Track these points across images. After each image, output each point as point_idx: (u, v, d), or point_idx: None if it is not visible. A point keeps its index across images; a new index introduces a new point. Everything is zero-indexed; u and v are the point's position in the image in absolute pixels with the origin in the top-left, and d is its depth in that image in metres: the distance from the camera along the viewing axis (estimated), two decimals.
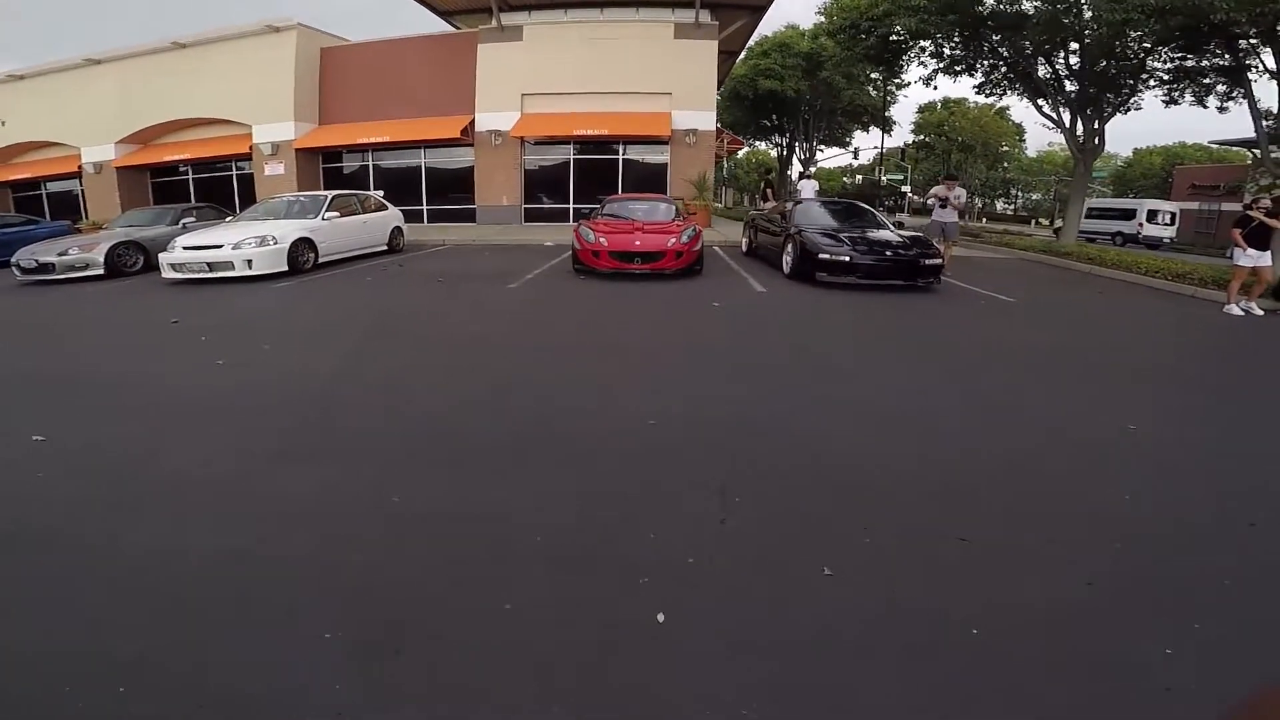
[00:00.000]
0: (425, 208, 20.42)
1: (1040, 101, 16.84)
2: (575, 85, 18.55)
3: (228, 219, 11.62)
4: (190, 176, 22.20)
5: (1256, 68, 13.45)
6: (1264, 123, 13.05)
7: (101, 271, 9.96)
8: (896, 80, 26.19)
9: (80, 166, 21.70)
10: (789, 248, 9.34)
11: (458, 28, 21.00)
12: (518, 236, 15.54)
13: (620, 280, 8.94)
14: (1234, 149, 31.76)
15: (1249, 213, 8.11)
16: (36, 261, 9.79)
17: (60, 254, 9.82)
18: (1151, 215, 26.59)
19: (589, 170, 19.67)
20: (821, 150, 34.44)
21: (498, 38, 18.76)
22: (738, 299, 7.94)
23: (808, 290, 8.42)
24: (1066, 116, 16.46)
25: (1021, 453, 3.40)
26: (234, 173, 21.49)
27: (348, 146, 20.30)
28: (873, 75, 28.67)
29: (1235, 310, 7.93)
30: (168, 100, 20.53)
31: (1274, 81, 12.55)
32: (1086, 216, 24.99)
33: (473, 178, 19.86)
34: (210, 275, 9.10)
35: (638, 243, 9.11)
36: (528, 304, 7.62)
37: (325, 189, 19.00)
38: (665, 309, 7.32)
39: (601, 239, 9.13)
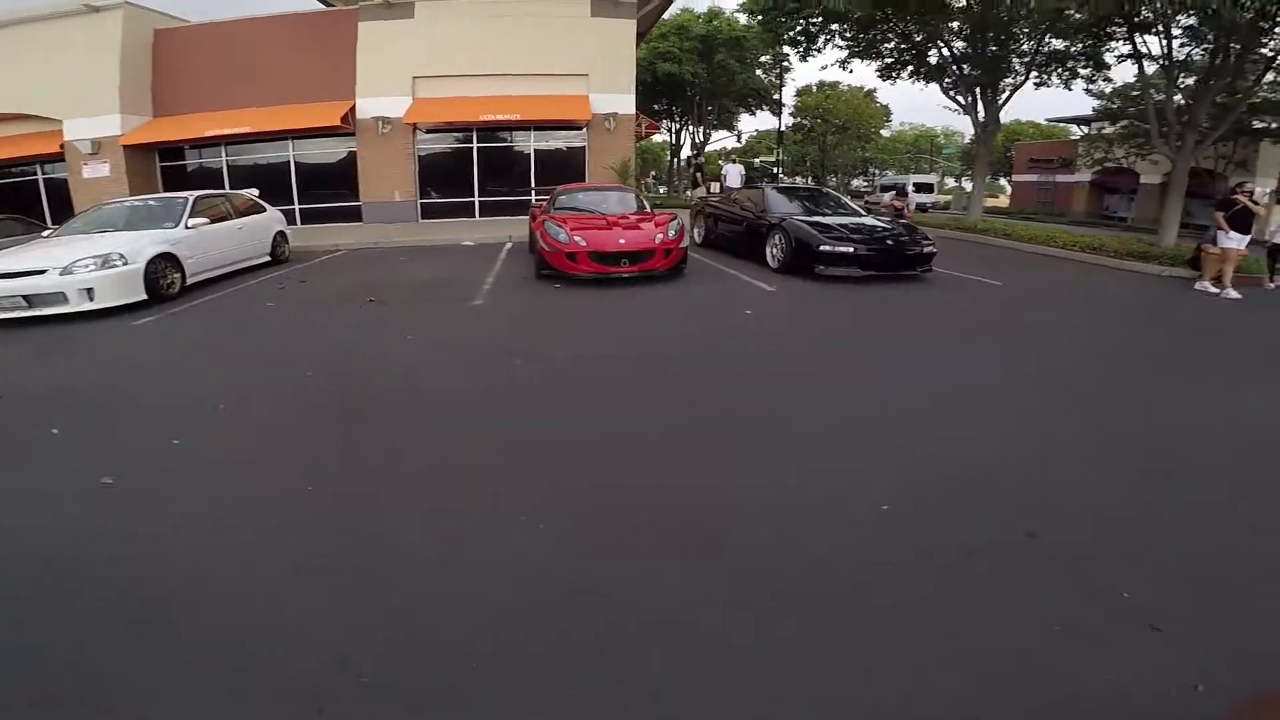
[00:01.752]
0: (298, 207, 17.27)
1: (945, 84, 17.13)
2: (479, 67, 16.32)
3: (46, 233, 8.66)
4: None
5: (1115, 52, 14.31)
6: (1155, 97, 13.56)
7: None
8: (794, 64, 26.38)
9: None
10: (775, 239, 8.35)
11: (331, 4, 17.95)
12: (424, 236, 13.29)
13: (606, 287, 7.37)
14: (1060, 125, 35.01)
15: (1234, 196, 7.99)
16: None
17: None
18: (918, 188, 30.86)
19: (496, 159, 17.56)
20: (710, 134, 33.98)
21: (382, 15, 16.08)
22: (758, 303, 6.71)
23: (813, 286, 7.50)
24: (968, 101, 16.77)
25: None
26: (40, 177, 17.17)
27: (193, 141, 16.73)
28: (762, 59, 28.42)
29: (1211, 288, 7.88)
30: None
31: (1134, 64, 13.18)
32: (881, 190, 29.02)
33: (355, 171, 17.07)
34: (30, 313, 6.44)
35: (622, 241, 7.53)
36: (523, 334, 5.65)
37: (165, 190, 15.62)
38: (699, 324, 5.93)
39: (578, 238, 7.43)
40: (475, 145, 17.41)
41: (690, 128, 32.66)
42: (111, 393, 4.27)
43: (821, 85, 38.28)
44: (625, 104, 17.22)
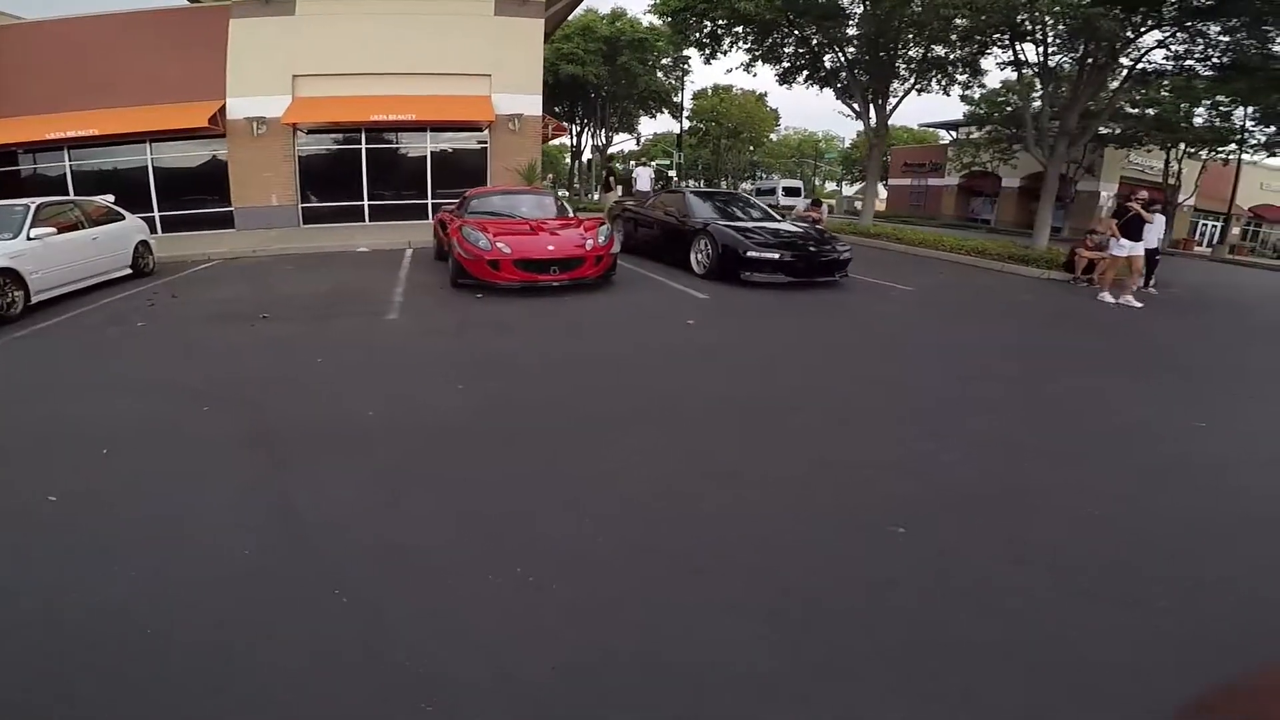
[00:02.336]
0: (158, 214, 15.34)
1: (838, 89, 17.92)
2: (369, 65, 15.22)
3: None
4: None
5: (997, 59, 15.59)
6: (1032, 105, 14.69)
7: None
8: (693, 67, 26.88)
9: None
10: (701, 245, 8.28)
11: (198, 0, 16.16)
12: (311, 243, 12.20)
13: (534, 296, 6.93)
14: (930, 130, 37.84)
15: (1126, 204, 8.18)
16: None
17: None
18: (787, 191, 31.43)
19: (388, 162, 16.56)
20: (612, 137, 33.91)
21: (257, 12, 14.67)
22: (696, 312, 6.47)
23: (743, 293, 7.43)
24: (861, 106, 17.68)
25: None
26: None
27: (29, 144, 14.54)
28: (664, 62, 28.64)
29: (1109, 298, 7.96)
30: None
31: (1013, 70, 14.44)
32: (757, 195, 29.42)
33: (226, 175, 15.47)
34: None
35: (551, 248, 7.15)
36: (451, 353, 5.08)
37: None
38: (647, 336, 5.62)
39: (501, 244, 6.95)
40: (364, 146, 16.29)
41: (592, 130, 32.40)
42: None
43: (716, 89, 39.24)
44: (532, 105, 16.75)
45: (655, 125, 62.26)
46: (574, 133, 32.26)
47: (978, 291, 8.80)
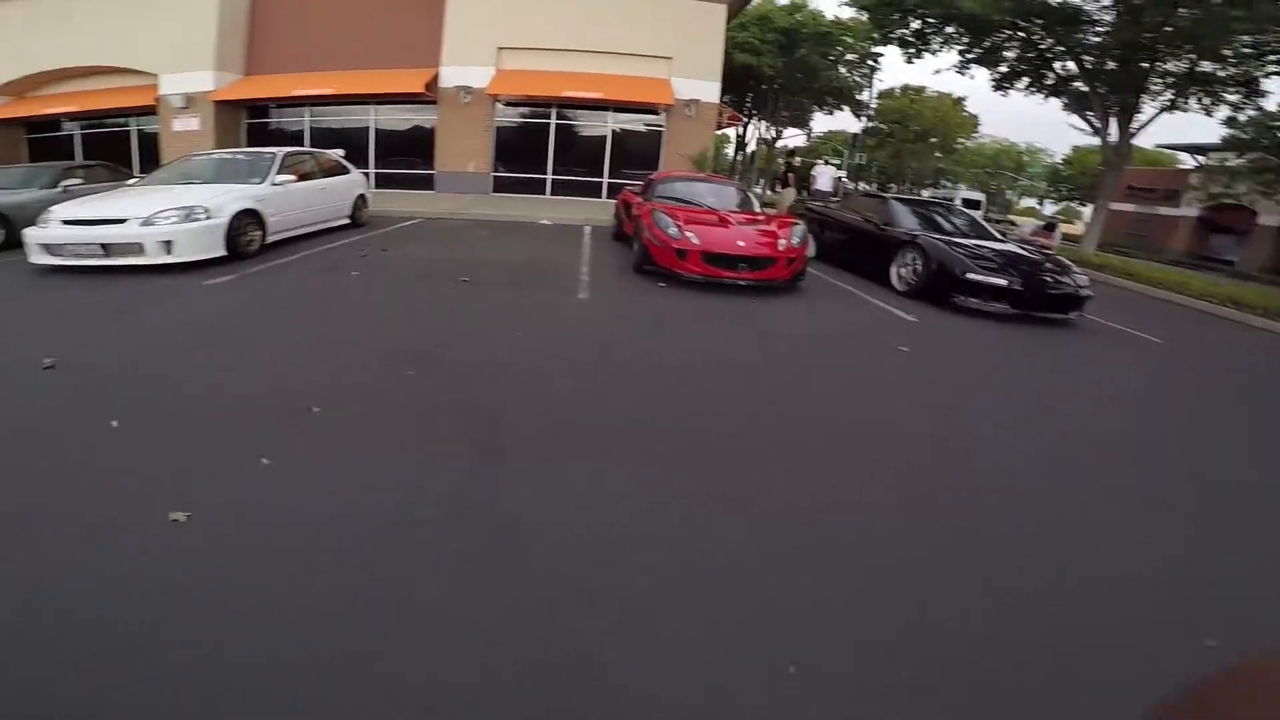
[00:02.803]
0: (374, 172, 16.87)
1: (1067, 100, 15.60)
2: (561, 42, 15.61)
3: (130, 181, 8.30)
4: (77, 133, 17.66)
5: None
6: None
7: None
8: (883, 65, 24.90)
9: None
10: (907, 259, 7.30)
11: None
12: (499, 211, 12.62)
13: (717, 293, 6.44)
14: (1167, 152, 32.04)
15: None
16: None
17: None
18: (965, 203, 26.48)
19: (572, 139, 16.87)
20: (781, 131, 32.54)
21: None
22: (907, 337, 5.51)
23: (955, 320, 6.36)
24: (1101, 121, 15.20)
25: None
26: (133, 129, 17.24)
27: (280, 100, 16.49)
28: (849, 57, 26.91)
29: None
30: (58, 47, 16.12)
31: None
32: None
33: (433, 140, 16.56)
34: (105, 262, 6.00)
35: (742, 244, 6.63)
36: (649, 346, 4.61)
37: (249, 147, 15.41)
38: (855, 356, 4.93)
39: (690, 234, 6.56)
40: (553, 122, 16.75)
41: (760, 122, 31.26)
42: (179, 377, 3.65)
43: (906, 89, 36.28)
44: (709, 91, 16.33)
45: (830, 122, 59.01)
46: (742, 124, 31.32)
47: (1249, 353, 6.97)
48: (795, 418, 3.47)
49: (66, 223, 6.05)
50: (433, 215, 11.79)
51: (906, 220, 8.01)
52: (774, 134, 31.35)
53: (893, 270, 7.51)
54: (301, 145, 15.02)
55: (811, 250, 7.49)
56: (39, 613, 1.72)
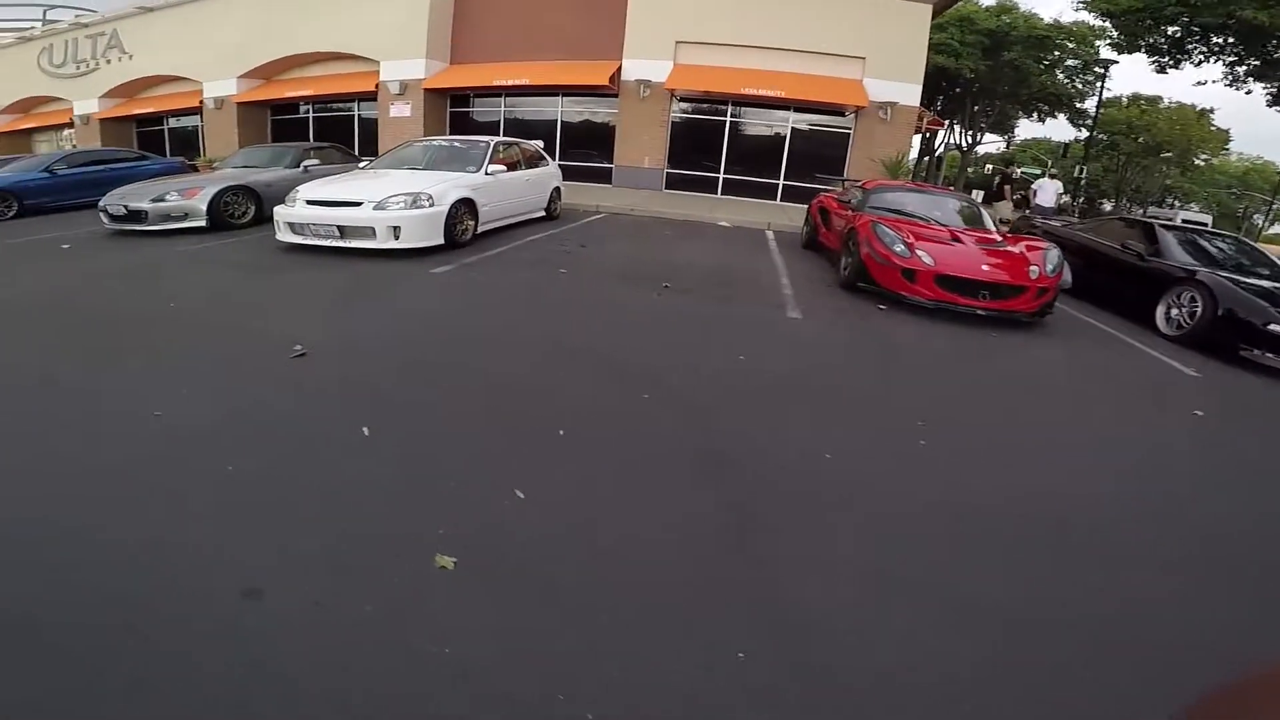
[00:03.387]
0: (558, 163, 17.20)
1: None
2: (742, 37, 14.94)
3: (362, 164, 8.81)
4: (310, 115, 19.70)
5: None
6: None
7: (204, 223, 7.36)
8: (1112, 72, 21.56)
9: (201, 102, 19.45)
10: (1183, 299, 5.84)
11: None
12: (676, 209, 12.20)
13: (949, 321, 5.50)
14: None
15: None
16: (126, 208, 7.23)
17: (155, 199, 7.22)
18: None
19: (747, 137, 16.13)
20: (980, 137, 29.30)
21: None
22: (1200, 399, 4.32)
23: (1251, 378, 4.93)
24: None
25: None
26: (355, 113, 18.89)
27: (479, 89, 17.23)
28: (1068, 62, 23.54)
29: None
30: (295, 33, 17.90)
31: None
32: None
33: (612, 133, 16.53)
34: (340, 244, 6.27)
35: (985, 268, 5.64)
36: (889, 387, 3.92)
37: (451, 134, 16.27)
38: (1135, 417, 3.87)
39: (922, 253, 5.66)
40: (728, 119, 16.08)
41: (956, 127, 28.31)
42: (422, 379, 3.50)
43: (1137, 98, 31.10)
44: (908, 94, 14.90)
45: (1037, 129, 52.46)
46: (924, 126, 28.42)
47: None
48: (1125, 516, 2.58)
49: (311, 203, 6.39)
50: (615, 210, 11.64)
51: (1179, 252, 6.46)
52: (968, 140, 28.27)
53: (1160, 310, 6.07)
54: (497, 135, 15.62)
55: (1067, 280, 6.23)
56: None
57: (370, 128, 17.96)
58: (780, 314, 5.34)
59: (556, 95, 16.91)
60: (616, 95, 16.07)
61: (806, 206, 9.69)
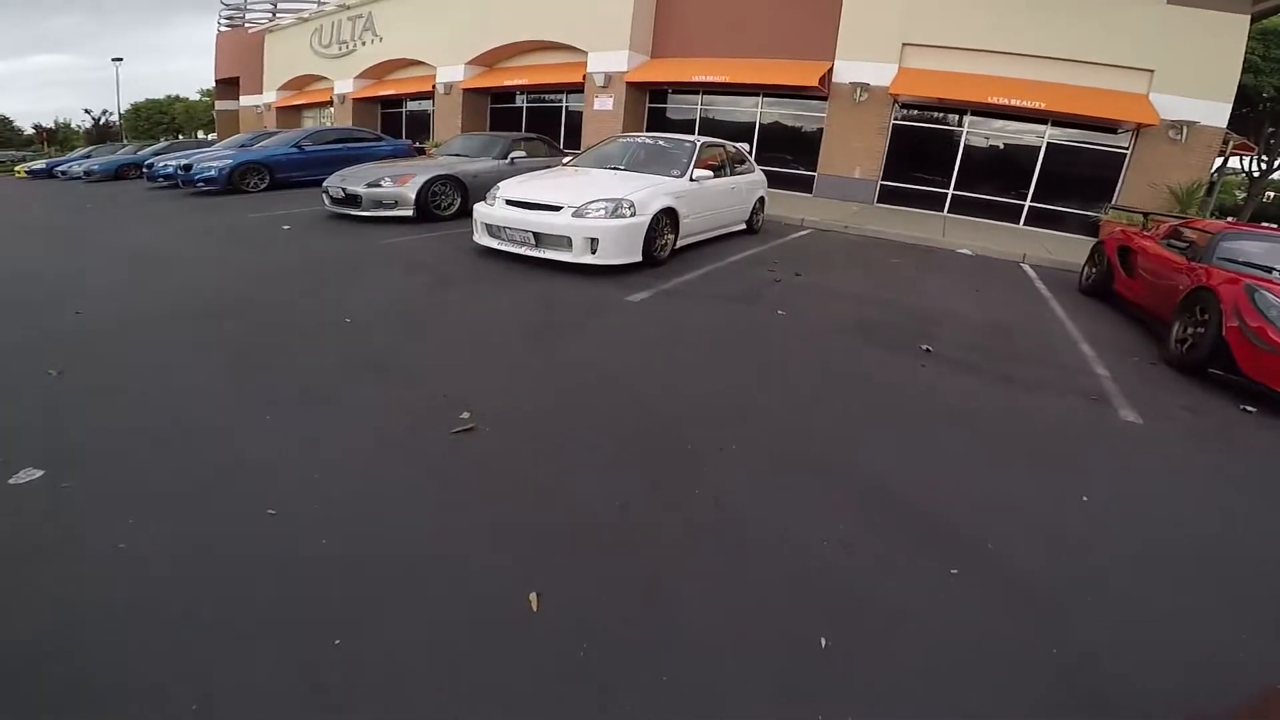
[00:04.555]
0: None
1: None
2: (986, 42, 12.54)
3: (565, 160, 8.17)
4: (525, 106, 20.08)
5: None
6: None
7: (411, 213, 7.11)
8: None
9: (434, 87, 20.57)
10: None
11: None
12: (891, 226, 10.24)
13: None
14: None
15: None
16: (344, 191, 7.19)
17: (370, 185, 7.10)
18: None
19: (985, 151, 13.58)
20: (1276, 163, 22.88)
21: None
22: None
23: None
24: None
25: None
26: (563, 105, 18.89)
27: (677, 84, 16.25)
28: None
29: None
30: (519, 20, 18.10)
31: None
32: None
33: (818, 139, 14.74)
34: (534, 253, 5.51)
35: None
36: None
37: (647, 131, 15.54)
38: None
39: None
40: (965, 129, 13.57)
41: (1252, 152, 22.25)
42: (644, 468, 2.43)
43: None
44: (1212, 114, 11.68)
45: None
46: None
47: None
48: None
49: (510, 203, 5.72)
50: (822, 225, 10.04)
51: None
52: (1261, 165, 22.27)
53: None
54: (693, 134, 14.59)
55: None
56: None
57: (575, 121, 17.85)
58: (1108, 414, 3.56)
59: (755, 95, 15.50)
60: (824, 98, 14.31)
61: (1095, 241, 7.57)
